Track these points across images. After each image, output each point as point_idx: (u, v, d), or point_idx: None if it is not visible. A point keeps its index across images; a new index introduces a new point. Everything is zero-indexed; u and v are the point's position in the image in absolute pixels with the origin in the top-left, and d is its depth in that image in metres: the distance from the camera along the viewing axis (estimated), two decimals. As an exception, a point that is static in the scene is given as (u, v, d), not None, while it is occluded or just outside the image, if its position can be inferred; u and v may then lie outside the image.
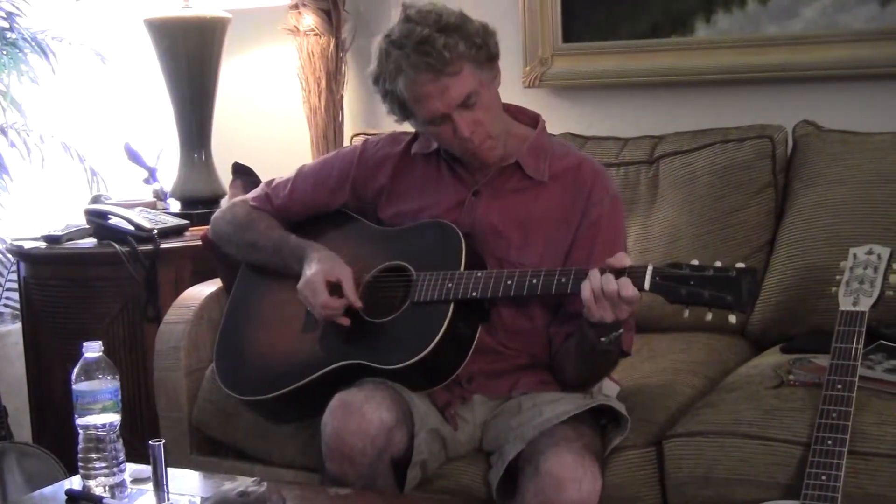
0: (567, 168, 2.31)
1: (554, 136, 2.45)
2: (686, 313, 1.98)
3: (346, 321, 2.27)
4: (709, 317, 1.97)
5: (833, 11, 3.00)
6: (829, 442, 1.99)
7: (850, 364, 2.10)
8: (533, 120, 2.38)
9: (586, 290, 1.99)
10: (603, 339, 2.05)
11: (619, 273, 1.98)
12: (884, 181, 2.67)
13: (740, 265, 1.95)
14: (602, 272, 2.00)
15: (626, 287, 1.96)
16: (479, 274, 2.18)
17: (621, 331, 2.07)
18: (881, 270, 2.23)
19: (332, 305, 2.26)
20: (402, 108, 2.25)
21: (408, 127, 2.40)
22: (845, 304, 2.21)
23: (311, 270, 2.29)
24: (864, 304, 2.19)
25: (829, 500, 1.93)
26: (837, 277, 2.27)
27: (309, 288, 2.28)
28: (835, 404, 2.04)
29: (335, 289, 2.27)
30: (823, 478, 1.95)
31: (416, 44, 2.15)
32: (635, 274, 1.99)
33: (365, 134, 3.20)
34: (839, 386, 2.07)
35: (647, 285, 1.98)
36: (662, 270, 1.98)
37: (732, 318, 1.96)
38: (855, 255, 2.28)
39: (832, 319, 2.21)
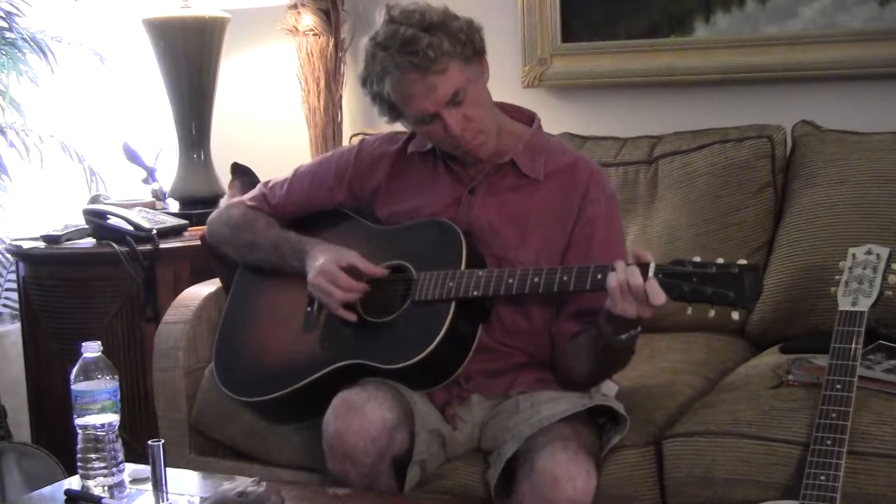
0: (563, 166, 2.31)
1: (550, 134, 2.45)
2: (689, 310, 1.98)
3: (352, 316, 2.27)
4: (711, 313, 1.96)
5: (832, 11, 3.00)
6: (829, 442, 1.99)
7: (849, 364, 2.10)
8: (528, 118, 2.38)
9: (612, 280, 1.99)
10: (623, 336, 2.05)
11: (644, 268, 1.98)
12: (883, 181, 2.67)
13: (742, 261, 1.95)
14: (628, 265, 1.99)
15: (657, 295, 1.95)
16: (481, 273, 2.18)
17: (639, 329, 2.07)
18: (880, 270, 2.23)
19: (356, 287, 2.26)
20: (392, 109, 2.25)
21: (402, 126, 2.41)
22: (844, 304, 2.21)
23: (319, 261, 2.29)
24: (863, 304, 2.19)
25: (828, 500, 1.93)
26: (836, 277, 2.27)
27: (325, 276, 2.27)
28: (834, 404, 2.04)
29: (350, 273, 2.27)
30: (822, 478, 1.95)
31: (400, 44, 2.15)
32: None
33: (364, 134, 3.20)
34: (838, 386, 2.07)
35: None
36: (665, 268, 1.98)
37: (735, 315, 1.95)
38: (854, 255, 2.28)
39: (831, 319, 2.21)
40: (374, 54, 2.20)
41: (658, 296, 1.96)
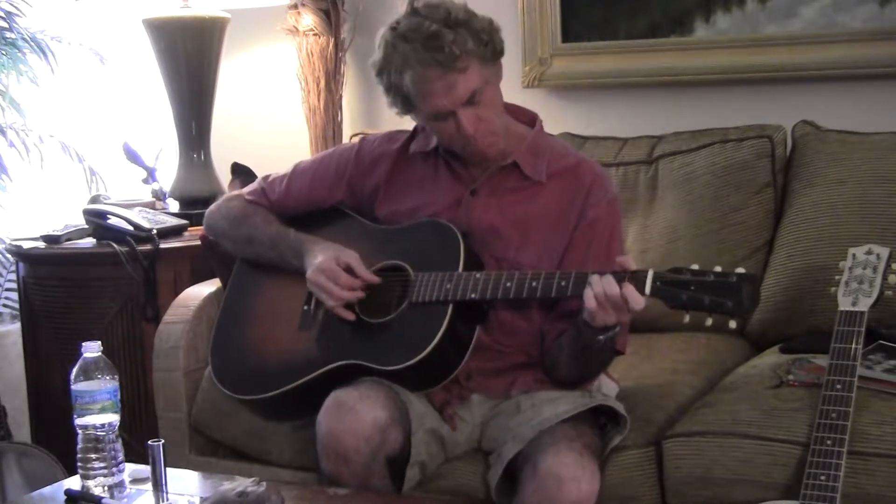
0: (566, 168, 2.30)
1: (552, 135, 2.45)
2: (686, 318, 1.98)
3: (350, 315, 2.26)
4: (709, 322, 1.96)
5: (832, 11, 3.00)
6: (829, 442, 1.99)
7: (849, 364, 2.10)
8: (530, 119, 2.37)
9: (590, 297, 1.99)
10: (601, 336, 2.05)
11: (621, 276, 1.98)
12: (883, 181, 2.67)
13: (741, 270, 1.94)
14: (602, 275, 2.00)
15: (636, 301, 1.96)
16: (478, 275, 2.18)
17: (618, 328, 2.07)
18: (880, 270, 2.23)
19: (356, 286, 2.25)
20: (406, 102, 2.24)
21: (407, 124, 2.40)
22: (844, 304, 2.21)
23: (318, 259, 2.28)
24: (864, 304, 2.19)
25: (828, 500, 1.93)
26: (836, 277, 2.27)
27: (325, 273, 2.26)
28: (834, 404, 2.04)
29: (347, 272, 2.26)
30: (822, 478, 1.95)
31: (425, 38, 2.14)
32: (636, 278, 1.98)
33: (364, 133, 3.20)
34: (838, 386, 2.07)
35: (647, 290, 1.97)
36: (664, 275, 1.98)
37: (732, 324, 1.96)
38: (854, 255, 2.28)
39: (831, 319, 2.21)
40: (395, 45, 2.18)
41: (638, 301, 1.96)
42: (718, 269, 1.96)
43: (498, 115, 2.25)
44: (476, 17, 2.20)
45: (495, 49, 2.22)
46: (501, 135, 2.25)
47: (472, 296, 2.16)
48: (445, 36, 2.13)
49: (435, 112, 2.20)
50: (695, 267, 1.97)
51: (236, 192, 2.59)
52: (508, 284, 2.14)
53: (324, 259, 2.28)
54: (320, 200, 2.47)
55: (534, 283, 2.12)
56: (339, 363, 2.27)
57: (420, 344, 2.17)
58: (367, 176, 2.42)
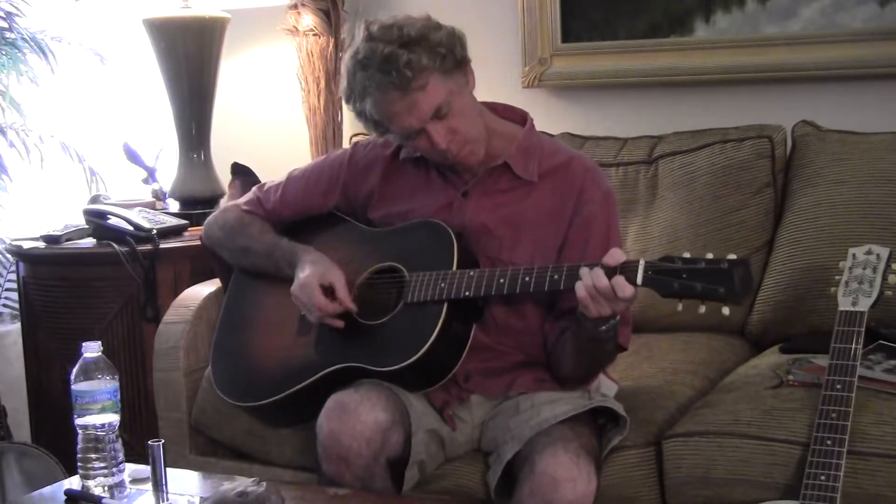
0: (557, 166, 2.30)
1: (543, 133, 2.44)
2: (679, 306, 1.97)
3: (339, 323, 2.27)
4: (702, 309, 1.95)
5: (832, 11, 3.00)
6: (829, 442, 1.99)
7: (849, 364, 2.10)
8: (521, 118, 2.36)
9: (581, 290, 2.00)
10: (603, 327, 2.05)
11: (612, 271, 1.98)
12: (883, 181, 2.67)
13: (732, 256, 1.93)
14: (591, 267, 2.00)
15: (623, 288, 1.96)
16: (472, 273, 2.18)
17: (618, 318, 2.07)
18: (880, 270, 2.23)
19: (328, 309, 2.26)
20: (377, 126, 2.25)
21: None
22: (844, 304, 2.21)
23: (304, 273, 2.29)
24: (864, 304, 2.19)
25: (828, 500, 1.93)
26: (836, 277, 2.27)
27: (304, 291, 2.27)
28: (834, 404, 2.04)
29: (328, 292, 2.27)
30: (822, 478, 1.95)
31: (379, 63, 2.13)
32: (628, 269, 1.98)
33: (364, 134, 3.20)
34: (838, 386, 2.07)
35: (639, 280, 1.97)
36: (654, 264, 1.97)
37: (725, 311, 1.94)
38: (854, 255, 2.28)
39: (831, 319, 2.21)
40: (355, 73, 2.19)
41: (625, 289, 1.96)
42: (710, 255, 1.95)
43: (473, 122, 2.23)
44: (434, 30, 2.18)
45: (456, 59, 2.19)
46: (480, 142, 2.24)
47: (466, 293, 2.16)
48: (399, 57, 2.12)
49: (405, 132, 2.20)
50: (686, 255, 1.96)
51: (233, 202, 2.60)
52: (502, 281, 2.14)
53: (308, 274, 2.28)
54: (315, 207, 2.47)
55: (527, 278, 2.11)
56: (337, 366, 2.27)
57: (416, 344, 2.17)
58: (361, 181, 2.42)
